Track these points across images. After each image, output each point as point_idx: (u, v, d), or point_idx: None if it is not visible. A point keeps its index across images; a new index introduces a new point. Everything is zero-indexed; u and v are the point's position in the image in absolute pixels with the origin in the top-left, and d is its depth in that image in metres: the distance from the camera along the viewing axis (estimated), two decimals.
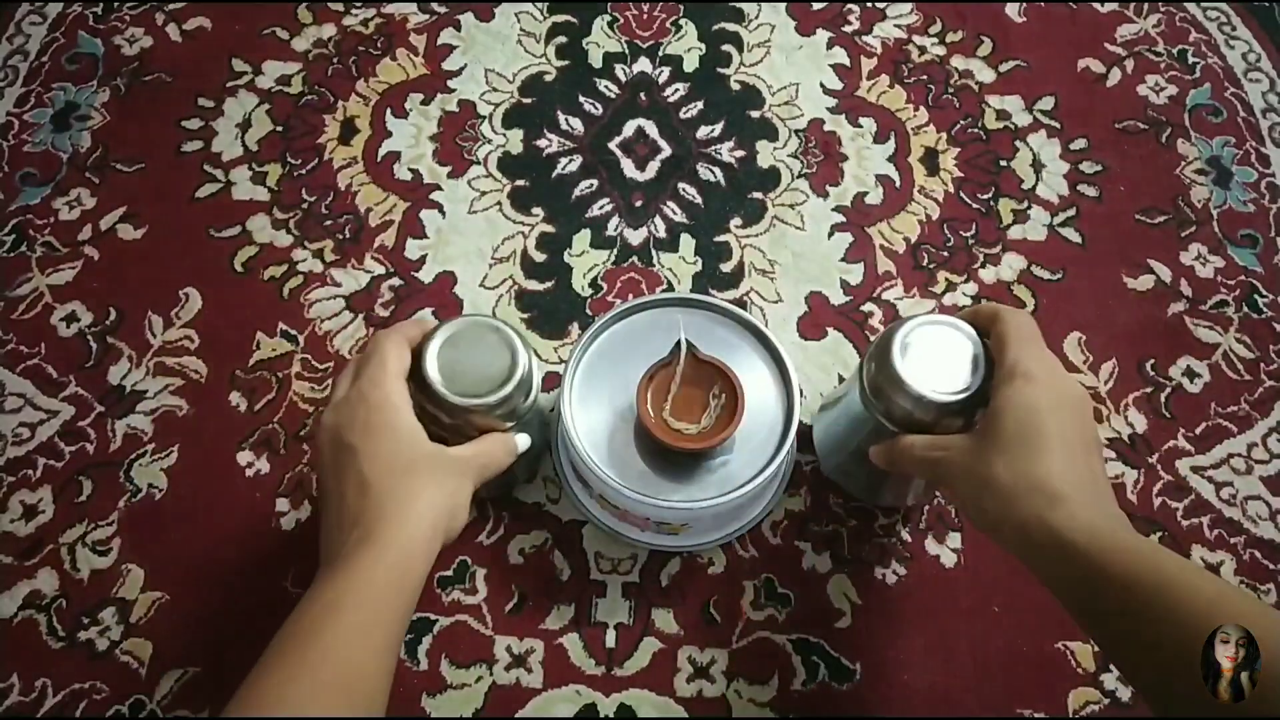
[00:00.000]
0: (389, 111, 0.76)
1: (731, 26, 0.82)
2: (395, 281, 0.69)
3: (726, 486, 0.52)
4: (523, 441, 0.52)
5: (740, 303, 0.68)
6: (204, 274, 0.68)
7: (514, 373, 0.49)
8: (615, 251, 0.71)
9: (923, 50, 0.81)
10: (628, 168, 0.74)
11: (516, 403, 0.50)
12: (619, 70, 0.79)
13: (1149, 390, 0.66)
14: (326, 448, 0.45)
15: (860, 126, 0.77)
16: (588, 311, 0.68)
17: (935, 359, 0.49)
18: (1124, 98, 0.79)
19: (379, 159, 0.74)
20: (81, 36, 0.79)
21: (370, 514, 0.42)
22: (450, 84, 0.78)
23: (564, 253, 0.70)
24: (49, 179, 0.72)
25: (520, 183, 0.74)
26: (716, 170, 0.74)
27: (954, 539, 0.61)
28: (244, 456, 0.62)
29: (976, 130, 0.77)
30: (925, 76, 0.79)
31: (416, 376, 0.48)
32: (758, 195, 0.73)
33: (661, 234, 0.71)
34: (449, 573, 0.59)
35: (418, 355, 0.48)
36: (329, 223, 0.71)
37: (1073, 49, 0.81)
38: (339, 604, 0.40)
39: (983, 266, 0.71)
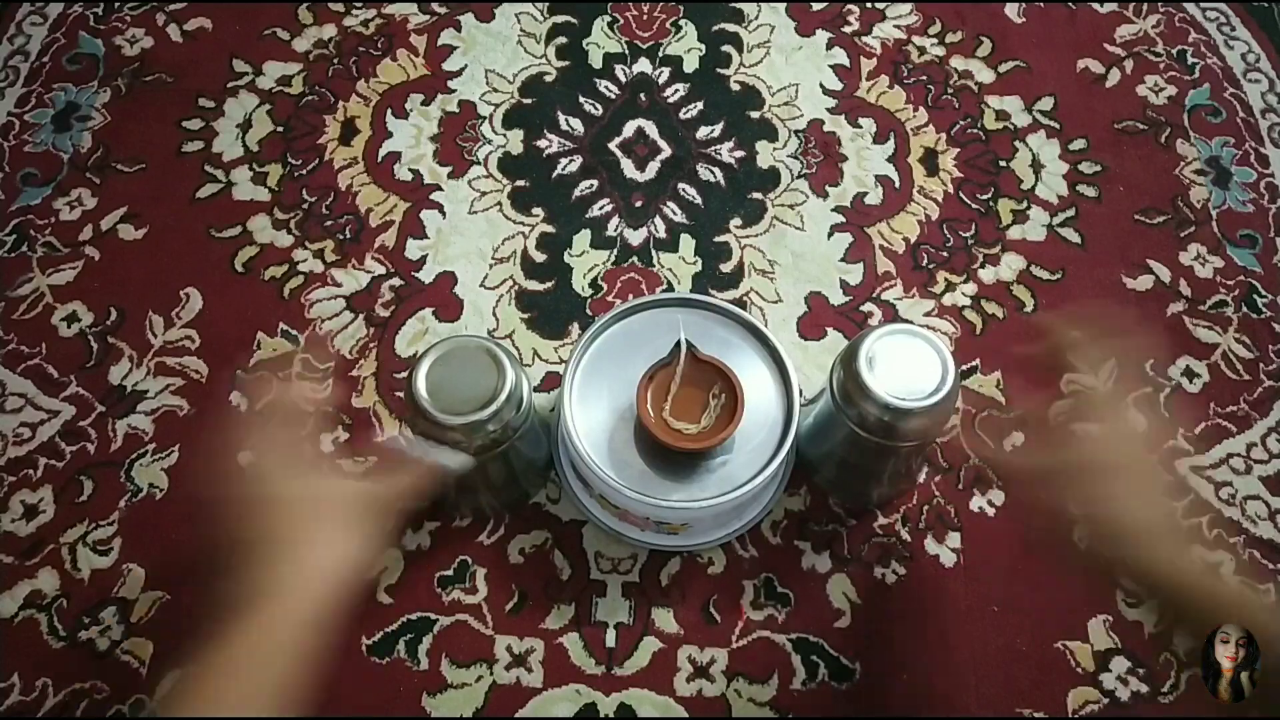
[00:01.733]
0: (389, 112, 0.76)
1: (731, 27, 0.82)
2: (396, 281, 0.69)
3: (726, 486, 0.52)
4: (453, 460, 0.49)
5: (740, 303, 0.68)
6: (205, 274, 0.68)
7: (499, 392, 0.49)
8: (615, 252, 0.71)
9: (922, 51, 0.81)
10: (628, 168, 0.74)
11: (506, 419, 0.50)
12: (619, 71, 0.79)
13: (1148, 390, 0.66)
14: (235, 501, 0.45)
15: (860, 127, 0.77)
16: (588, 311, 0.68)
17: (900, 366, 0.51)
18: (1123, 98, 0.79)
19: (379, 159, 0.74)
20: (82, 37, 0.79)
21: (269, 559, 0.42)
22: (451, 84, 0.78)
23: (564, 253, 0.70)
24: (50, 179, 0.72)
25: (520, 183, 0.74)
26: (716, 171, 0.74)
27: (954, 539, 0.61)
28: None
29: (976, 131, 0.77)
30: (925, 77, 0.79)
31: (408, 396, 0.49)
32: (757, 195, 0.73)
33: (661, 234, 0.71)
34: (449, 572, 0.59)
35: (409, 375, 0.49)
36: (329, 223, 0.71)
37: (1072, 49, 0.81)
38: (238, 658, 0.39)
39: (982, 267, 0.71)
